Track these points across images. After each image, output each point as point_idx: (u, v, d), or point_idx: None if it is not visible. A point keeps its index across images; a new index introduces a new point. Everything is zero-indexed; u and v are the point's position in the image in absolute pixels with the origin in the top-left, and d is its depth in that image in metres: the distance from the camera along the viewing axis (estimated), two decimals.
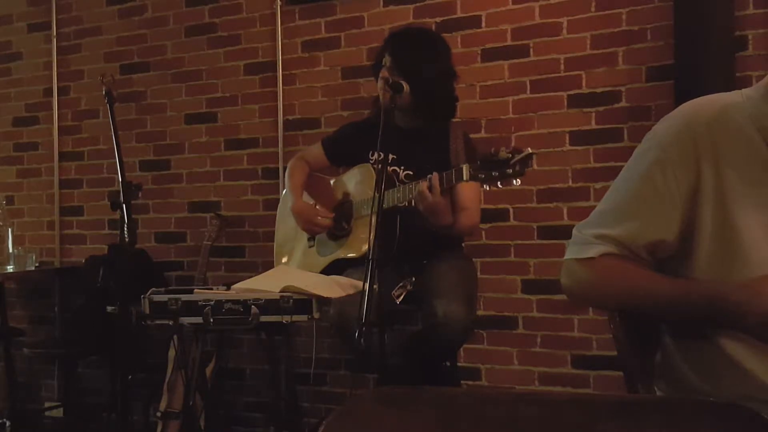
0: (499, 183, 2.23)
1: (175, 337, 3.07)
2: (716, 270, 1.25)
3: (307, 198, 2.92)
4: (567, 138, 3.08)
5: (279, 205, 3.14)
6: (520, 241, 3.16)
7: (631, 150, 1.35)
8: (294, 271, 2.90)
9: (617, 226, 1.30)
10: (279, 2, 3.56)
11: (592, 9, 3.04)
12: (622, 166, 1.36)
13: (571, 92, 3.07)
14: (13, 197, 4.19)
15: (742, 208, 1.23)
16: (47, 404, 4.03)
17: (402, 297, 2.54)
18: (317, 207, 2.88)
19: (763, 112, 1.25)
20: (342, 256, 2.79)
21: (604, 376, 3.02)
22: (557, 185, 3.09)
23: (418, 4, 3.32)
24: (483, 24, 3.21)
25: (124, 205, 2.33)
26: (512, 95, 3.16)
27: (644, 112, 2.95)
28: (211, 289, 2.90)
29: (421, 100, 2.67)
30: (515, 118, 3.16)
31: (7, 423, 3.71)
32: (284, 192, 3.05)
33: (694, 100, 1.32)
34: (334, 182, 2.97)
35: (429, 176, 2.42)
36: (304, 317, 2.55)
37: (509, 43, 3.17)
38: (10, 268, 3.78)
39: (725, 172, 1.23)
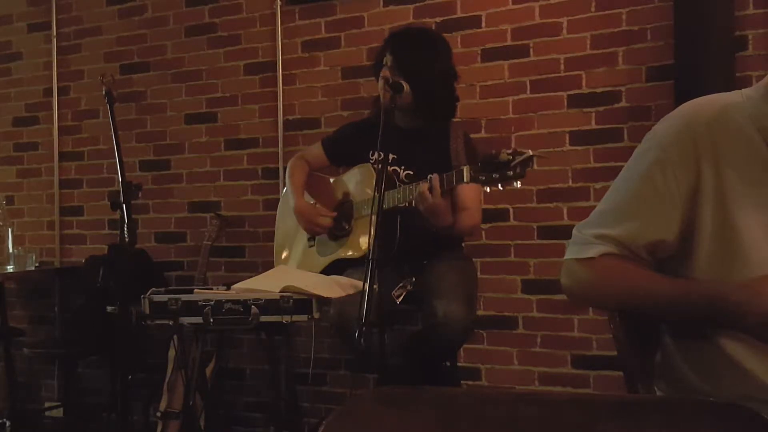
0: (499, 185, 2.22)
1: (175, 337, 3.07)
2: (716, 270, 1.25)
3: (307, 198, 2.92)
4: (567, 138, 3.08)
5: (279, 205, 3.14)
6: (520, 241, 3.16)
7: (631, 150, 1.35)
8: (294, 271, 2.90)
9: (617, 226, 1.31)
10: (279, 2, 3.56)
11: (592, 9, 3.04)
12: (622, 166, 1.36)
13: (571, 92, 3.07)
14: (13, 197, 4.19)
15: (742, 208, 1.22)
16: (47, 404, 4.03)
17: (402, 297, 2.54)
18: (318, 207, 2.88)
19: (763, 112, 1.25)
20: (342, 256, 2.79)
21: (604, 376, 3.02)
22: (557, 185, 3.09)
23: (418, 4, 3.32)
24: (483, 24, 3.21)
25: (124, 205, 2.33)
26: (512, 95, 3.16)
27: (644, 112, 2.95)
28: (211, 289, 2.90)
29: (421, 100, 2.67)
30: (515, 118, 3.16)
31: (7, 423, 3.70)
32: (284, 191, 3.05)
33: (694, 100, 1.32)
34: (334, 182, 2.97)
35: (429, 177, 2.41)
36: (304, 317, 2.55)
37: (509, 43, 3.17)
38: (10, 268, 3.78)
39: (725, 172, 1.23)
